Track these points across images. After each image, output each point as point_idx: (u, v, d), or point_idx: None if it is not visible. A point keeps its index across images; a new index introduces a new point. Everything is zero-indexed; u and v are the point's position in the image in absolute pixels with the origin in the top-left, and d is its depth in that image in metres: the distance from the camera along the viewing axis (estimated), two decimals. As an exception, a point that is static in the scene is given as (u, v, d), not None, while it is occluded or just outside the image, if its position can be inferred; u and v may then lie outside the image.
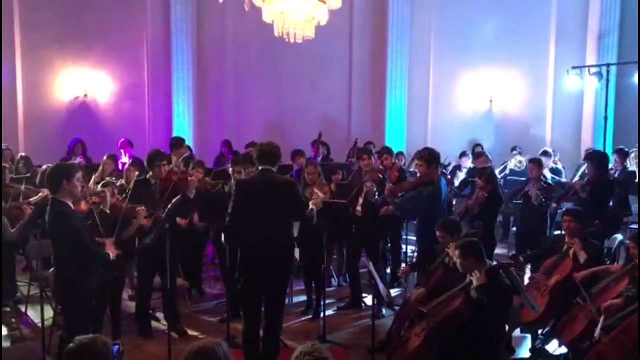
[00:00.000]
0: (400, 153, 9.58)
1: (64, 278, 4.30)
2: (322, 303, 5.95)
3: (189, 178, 6.03)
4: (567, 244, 5.17)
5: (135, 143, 9.72)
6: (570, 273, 4.89)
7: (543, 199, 6.89)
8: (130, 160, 7.14)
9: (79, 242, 4.17)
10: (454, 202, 8.23)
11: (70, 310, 4.38)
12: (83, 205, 4.86)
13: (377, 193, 6.26)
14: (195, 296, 6.92)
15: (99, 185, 5.53)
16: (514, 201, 7.73)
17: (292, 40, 5.44)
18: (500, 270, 4.37)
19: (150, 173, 5.62)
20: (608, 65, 9.95)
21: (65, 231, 4.18)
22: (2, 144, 8.24)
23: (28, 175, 7.38)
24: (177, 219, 5.73)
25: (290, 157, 8.39)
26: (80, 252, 4.18)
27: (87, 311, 4.41)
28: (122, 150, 9.21)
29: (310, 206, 4.91)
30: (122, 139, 9.46)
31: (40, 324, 5.09)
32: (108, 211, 5.11)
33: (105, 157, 7.57)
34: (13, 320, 5.84)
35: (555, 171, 8.85)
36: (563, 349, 4.93)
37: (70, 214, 4.23)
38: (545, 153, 9.06)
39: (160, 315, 6.07)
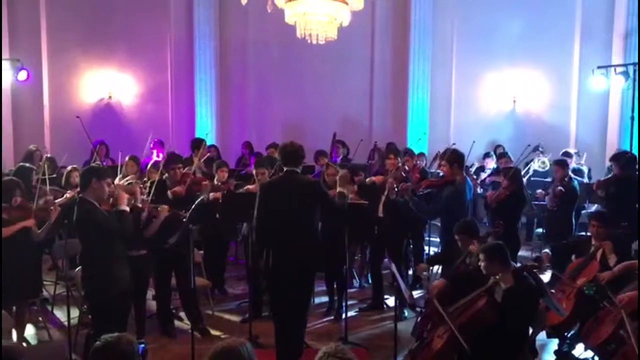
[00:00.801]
0: (421, 154, 9.53)
1: (92, 276, 4.39)
2: (344, 304, 5.95)
3: (202, 182, 6.11)
4: (594, 246, 5.10)
5: (159, 144, 9.82)
6: (596, 275, 4.83)
7: (554, 205, 7.00)
8: (151, 163, 7.20)
9: (105, 240, 4.25)
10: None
11: (97, 308, 4.46)
12: (107, 206, 4.91)
13: (396, 189, 6.23)
14: (218, 296, 6.96)
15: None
16: (535, 202, 7.70)
17: (314, 42, 5.44)
18: (525, 273, 4.33)
19: (166, 175, 5.72)
20: (635, 64, 9.78)
21: (92, 228, 4.28)
22: (32, 145, 8.37)
23: (54, 176, 7.47)
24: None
25: (313, 158, 8.40)
26: (108, 249, 4.26)
27: (115, 310, 4.46)
28: (154, 151, 9.31)
29: (339, 188, 4.91)
30: (155, 139, 9.56)
31: (66, 323, 5.17)
32: (140, 205, 5.13)
33: (127, 158, 7.64)
34: (40, 319, 5.92)
35: (577, 172, 8.73)
36: (589, 353, 4.86)
37: (95, 212, 4.32)
38: (567, 154, 8.97)
39: (183, 314, 6.11)
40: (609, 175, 7.09)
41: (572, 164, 8.91)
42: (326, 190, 4.96)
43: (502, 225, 5.35)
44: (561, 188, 7.10)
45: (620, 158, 6.96)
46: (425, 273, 5.58)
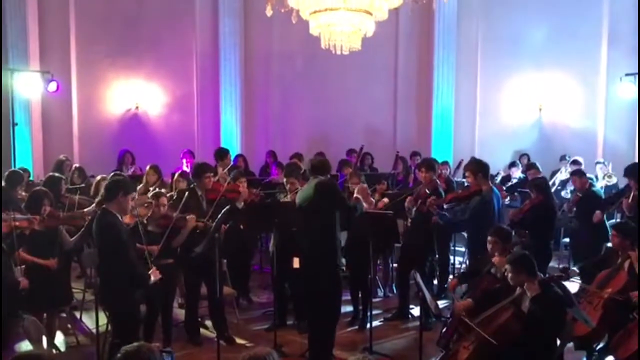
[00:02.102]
0: (445, 162, 9.49)
1: (110, 286, 4.42)
2: (368, 314, 5.94)
3: (240, 189, 6.18)
4: (621, 256, 5.02)
5: (185, 153, 9.95)
6: (624, 286, 4.76)
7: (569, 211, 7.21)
8: (178, 172, 7.30)
9: (123, 254, 4.29)
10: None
11: (117, 317, 4.50)
12: (128, 219, 5.00)
13: (414, 210, 6.22)
14: (243, 305, 7.01)
15: (149, 195, 5.68)
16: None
17: (338, 52, 5.49)
18: (552, 283, 4.29)
19: (196, 184, 5.78)
20: (663, 72, 9.63)
21: (112, 241, 4.30)
22: (62, 155, 8.54)
23: (82, 185, 7.61)
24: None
25: (336, 168, 8.43)
26: (124, 262, 4.31)
27: (134, 318, 4.52)
28: (184, 160, 9.44)
29: (355, 194, 5.28)
30: (185, 149, 9.68)
31: (95, 330, 5.25)
32: (150, 229, 5.27)
33: (147, 168, 7.74)
34: (69, 326, 6.03)
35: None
36: (619, 366, 4.77)
37: (118, 225, 4.36)
38: (576, 162, 8.95)
39: (209, 323, 6.16)
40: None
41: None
42: (338, 188, 5.40)
43: (527, 235, 5.31)
44: (578, 194, 7.20)
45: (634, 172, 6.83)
46: (458, 290, 5.55)
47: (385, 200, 6.45)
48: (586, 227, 7.22)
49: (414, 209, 6.17)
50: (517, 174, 9.53)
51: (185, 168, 9.07)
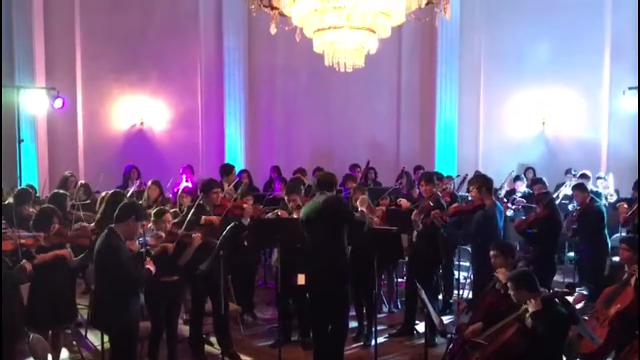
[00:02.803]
0: (449, 177, 9.51)
1: (106, 306, 4.38)
2: (373, 329, 5.93)
3: (245, 205, 6.21)
4: (628, 272, 5.00)
5: (189, 169, 9.99)
6: (631, 303, 4.73)
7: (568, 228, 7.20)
8: (184, 188, 7.32)
9: (125, 275, 4.24)
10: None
11: (114, 338, 4.47)
12: (134, 246, 4.97)
13: (420, 225, 6.25)
14: (248, 320, 7.00)
15: (152, 213, 5.67)
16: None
17: (342, 70, 5.53)
18: (556, 299, 4.28)
19: (202, 199, 5.79)
20: (666, 85, 9.64)
21: (112, 264, 4.25)
22: (67, 172, 8.58)
23: (87, 201, 7.63)
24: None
25: (340, 182, 8.43)
26: (123, 285, 4.26)
27: (132, 338, 4.49)
28: (184, 176, 9.47)
29: (360, 208, 5.38)
30: (184, 165, 9.73)
31: (100, 347, 5.24)
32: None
33: (149, 183, 7.76)
34: (74, 343, 6.02)
35: (595, 195, 8.60)
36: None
37: (121, 248, 4.31)
38: (584, 176, 8.94)
39: (213, 339, 6.15)
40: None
41: (589, 186, 8.78)
42: (344, 202, 5.49)
43: (532, 252, 5.32)
44: (577, 207, 7.28)
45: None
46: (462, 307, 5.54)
47: (383, 208, 6.50)
48: (588, 242, 7.30)
49: (420, 221, 6.18)
50: (522, 188, 9.49)
51: (185, 183, 9.09)
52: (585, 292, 5.40)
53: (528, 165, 10.70)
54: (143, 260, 4.60)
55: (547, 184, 8.46)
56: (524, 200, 8.57)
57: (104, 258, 4.31)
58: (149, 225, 5.22)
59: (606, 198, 8.82)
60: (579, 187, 7.53)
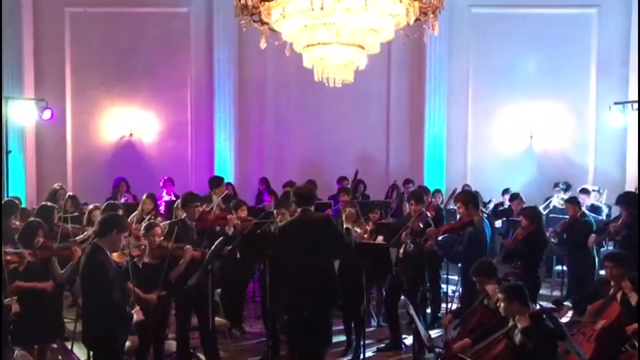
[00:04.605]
0: (437, 191, 9.56)
1: (92, 325, 4.33)
2: (362, 343, 5.92)
3: (228, 216, 6.19)
4: (614, 287, 5.04)
5: (179, 181, 9.97)
6: (618, 317, 4.76)
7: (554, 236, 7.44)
8: (179, 201, 7.29)
9: (107, 295, 4.17)
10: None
11: (99, 356, 4.43)
12: (119, 258, 4.95)
13: (410, 242, 6.27)
14: (236, 335, 6.96)
15: (143, 227, 5.66)
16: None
17: (331, 85, 5.58)
18: (544, 315, 4.31)
19: (185, 214, 5.79)
20: (652, 100, 9.78)
21: (98, 282, 4.18)
22: (56, 184, 8.52)
23: (76, 214, 7.58)
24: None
25: (332, 195, 8.47)
26: (107, 303, 4.20)
27: (117, 356, 4.44)
28: (164, 189, 9.44)
29: (345, 225, 5.36)
30: (165, 177, 9.70)
31: (86, 362, 5.20)
32: (145, 260, 5.27)
33: (144, 197, 7.73)
34: (60, 357, 5.96)
35: (595, 209, 8.69)
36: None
37: (107, 264, 4.25)
38: (584, 191, 8.98)
39: (201, 354, 6.11)
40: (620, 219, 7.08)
41: (590, 200, 8.89)
42: (337, 226, 5.33)
43: (520, 267, 5.34)
44: (566, 219, 7.49)
45: (625, 201, 6.92)
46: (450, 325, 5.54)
47: (380, 238, 6.45)
48: (576, 254, 7.48)
49: (410, 241, 6.21)
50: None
51: (165, 197, 9.08)
52: (569, 304, 5.43)
53: (516, 178, 10.81)
54: (128, 272, 4.58)
55: (528, 199, 8.58)
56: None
57: (89, 275, 4.25)
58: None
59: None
60: (572, 201, 7.70)
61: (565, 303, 5.46)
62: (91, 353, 4.63)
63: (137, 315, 4.40)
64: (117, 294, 4.27)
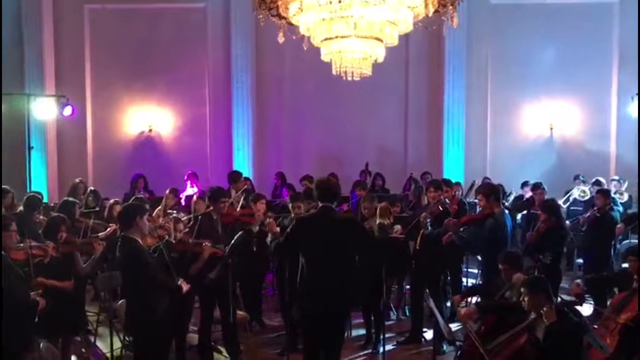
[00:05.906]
0: (457, 183, 9.49)
1: (136, 312, 4.46)
2: (381, 337, 5.92)
3: (256, 213, 6.22)
4: (637, 281, 4.97)
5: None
6: (640, 311, 4.70)
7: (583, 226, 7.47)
8: (199, 194, 7.33)
9: (152, 278, 4.34)
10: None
11: (142, 343, 4.53)
12: (150, 240, 5.05)
13: (429, 224, 6.22)
14: (255, 328, 7.01)
15: (160, 219, 5.73)
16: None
17: (349, 79, 5.56)
18: (566, 308, 4.27)
19: (212, 208, 5.81)
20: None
21: (139, 268, 4.34)
22: (77, 179, 8.63)
23: (97, 209, 7.66)
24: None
25: (350, 189, 8.44)
26: (151, 287, 4.34)
27: (159, 343, 4.55)
28: (188, 182, 9.49)
29: (379, 221, 5.14)
30: (189, 171, 9.76)
31: (109, 354, 5.28)
32: (173, 241, 5.32)
33: (167, 191, 7.79)
34: (83, 350, 6.05)
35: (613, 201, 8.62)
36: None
37: (142, 250, 4.41)
38: (597, 182, 9.03)
39: (222, 347, 6.16)
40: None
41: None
42: (364, 228, 5.09)
43: (542, 260, 5.30)
44: (596, 213, 7.36)
45: None
46: (461, 306, 5.51)
47: (399, 228, 6.41)
48: (597, 246, 7.44)
49: (429, 223, 6.19)
50: (529, 194, 9.49)
51: (190, 189, 9.13)
52: (579, 282, 5.36)
53: (536, 171, 10.70)
54: (162, 253, 4.69)
55: (551, 190, 8.50)
56: None
57: (128, 265, 4.42)
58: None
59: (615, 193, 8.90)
60: (603, 192, 7.67)
61: (576, 281, 5.39)
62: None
63: (184, 286, 4.57)
64: (160, 273, 4.43)
